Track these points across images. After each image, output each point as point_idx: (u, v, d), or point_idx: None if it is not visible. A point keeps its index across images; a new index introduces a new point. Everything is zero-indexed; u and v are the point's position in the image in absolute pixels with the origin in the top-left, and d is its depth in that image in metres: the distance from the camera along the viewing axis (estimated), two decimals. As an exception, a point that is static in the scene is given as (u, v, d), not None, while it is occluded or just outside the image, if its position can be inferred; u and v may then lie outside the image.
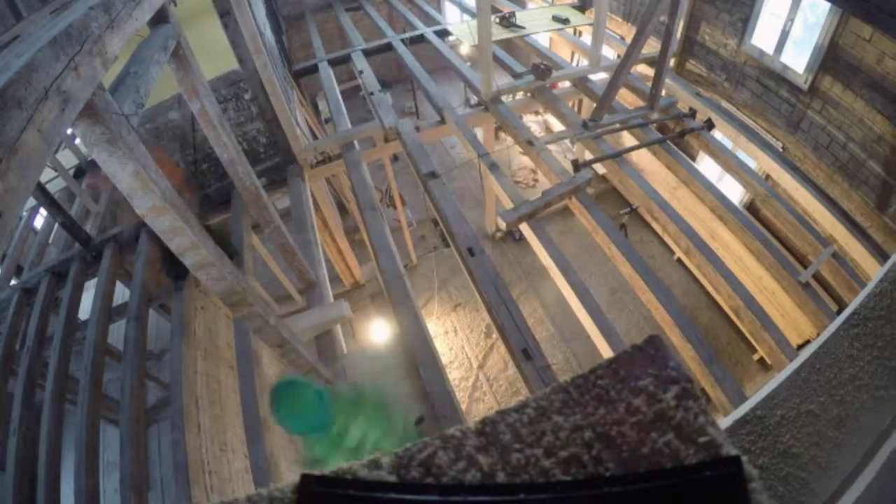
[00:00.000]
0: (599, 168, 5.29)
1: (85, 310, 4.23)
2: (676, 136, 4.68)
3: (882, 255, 3.75)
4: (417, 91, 9.77)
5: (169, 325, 3.84)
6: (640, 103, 5.17)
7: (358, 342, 6.18)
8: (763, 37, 4.71)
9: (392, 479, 0.40)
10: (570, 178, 4.04)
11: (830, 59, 3.98)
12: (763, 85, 4.81)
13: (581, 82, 5.54)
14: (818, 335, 0.89)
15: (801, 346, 4.38)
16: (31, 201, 5.41)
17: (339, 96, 5.89)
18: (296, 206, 4.43)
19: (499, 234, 7.70)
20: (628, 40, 6.48)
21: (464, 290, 7.04)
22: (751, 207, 5.50)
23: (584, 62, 5.75)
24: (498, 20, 6.08)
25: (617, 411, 0.44)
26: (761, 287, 5.07)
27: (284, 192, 4.89)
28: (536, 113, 9.24)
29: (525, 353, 2.90)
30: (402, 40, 6.92)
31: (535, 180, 8.55)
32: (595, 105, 5.58)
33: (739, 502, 0.36)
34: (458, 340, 6.56)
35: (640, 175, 4.41)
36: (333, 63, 6.74)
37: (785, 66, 4.49)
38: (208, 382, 3.90)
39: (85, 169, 6.14)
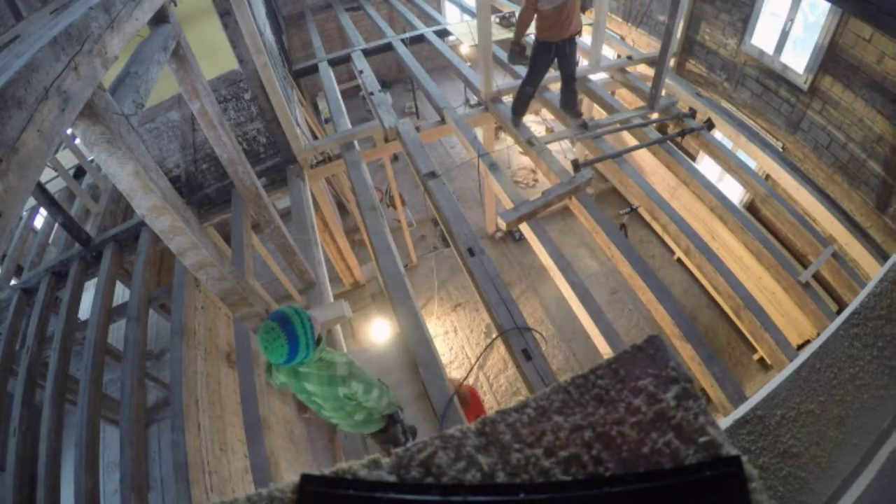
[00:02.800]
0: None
1: (85, 310, 4.23)
2: (676, 136, 4.68)
3: (882, 255, 3.75)
4: (417, 91, 9.77)
5: (169, 325, 3.83)
6: (640, 103, 5.17)
7: (358, 342, 6.18)
8: (763, 37, 4.72)
9: (392, 479, 0.40)
10: (570, 178, 4.04)
11: (830, 59, 3.98)
12: (763, 85, 4.81)
13: (581, 82, 5.54)
14: (818, 335, 0.89)
15: (801, 346, 4.38)
16: (31, 201, 5.42)
17: (339, 96, 5.89)
18: (296, 206, 4.43)
19: (499, 234, 7.70)
20: (628, 40, 6.49)
21: (464, 290, 7.04)
22: (751, 207, 5.50)
23: (584, 62, 5.75)
24: (498, 20, 6.08)
25: (617, 411, 0.44)
26: (761, 287, 5.07)
27: (284, 192, 4.89)
28: (536, 113, 9.23)
29: (525, 353, 2.90)
30: (402, 40, 6.92)
31: (535, 180, 8.55)
32: (596, 105, 5.59)
33: (739, 502, 0.36)
34: (458, 340, 6.56)
35: (640, 175, 4.41)
36: (333, 63, 6.74)
37: (785, 66, 4.49)
38: (208, 382, 3.90)
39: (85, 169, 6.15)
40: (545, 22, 3.96)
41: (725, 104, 5.22)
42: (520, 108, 4.67)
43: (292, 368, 1.95)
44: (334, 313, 3.34)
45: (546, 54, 4.18)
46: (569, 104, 4.67)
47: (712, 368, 2.95)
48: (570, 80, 4.49)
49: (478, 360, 6.24)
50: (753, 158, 4.68)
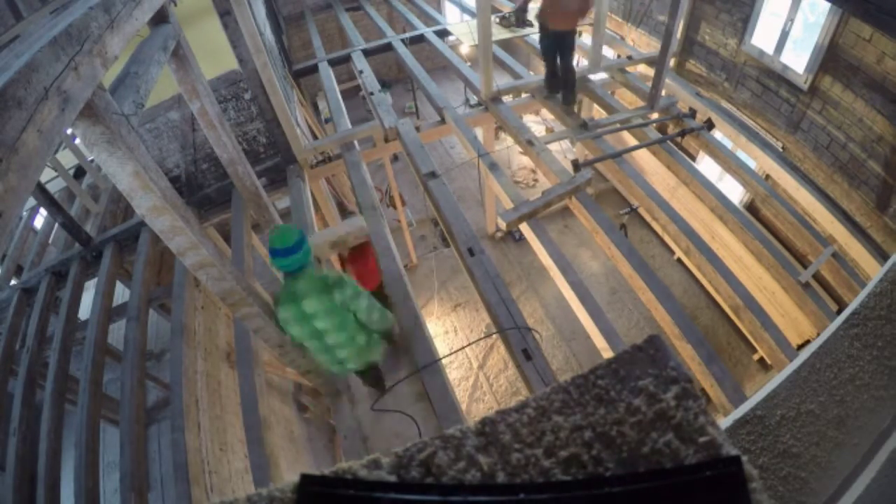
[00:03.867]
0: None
1: (85, 310, 4.23)
2: (676, 136, 4.68)
3: (882, 255, 3.75)
4: (417, 91, 9.77)
5: (169, 325, 3.83)
6: (640, 103, 5.16)
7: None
8: (763, 37, 4.71)
9: (392, 479, 0.40)
10: (570, 178, 4.04)
11: (830, 59, 3.98)
12: (763, 85, 4.81)
13: (581, 82, 5.54)
14: (818, 335, 0.89)
15: (801, 346, 4.38)
16: (31, 201, 5.42)
17: (339, 96, 5.89)
18: (296, 206, 4.43)
19: (499, 234, 7.70)
20: (628, 40, 6.49)
21: (464, 290, 7.04)
22: (751, 207, 5.50)
23: (584, 62, 5.75)
24: (498, 20, 6.08)
25: (617, 411, 0.44)
26: (761, 287, 5.07)
27: (284, 192, 4.89)
28: (536, 113, 9.24)
29: (525, 353, 2.90)
30: (402, 40, 6.92)
31: (535, 180, 8.55)
32: (596, 105, 5.59)
33: (739, 502, 0.36)
34: (458, 340, 6.56)
35: (640, 175, 4.41)
36: (333, 63, 6.74)
37: (785, 66, 4.49)
38: (208, 382, 3.91)
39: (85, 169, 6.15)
40: (544, 7, 4.44)
41: (725, 104, 5.21)
42: (549, 84, 5.07)
43: (293, 293, 2.16)
44: (350, 227, 3.46)
45: (544, 38, 4.63)
46: (565, 98, 5.00)
47: (712, 368, 2.95)
48: (565, 71, 4.81)
49: (469, 344, 6.24)
50: (753, 158, 4.68)
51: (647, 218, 6.94)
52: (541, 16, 4.49)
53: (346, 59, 6.77)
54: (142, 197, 1.68)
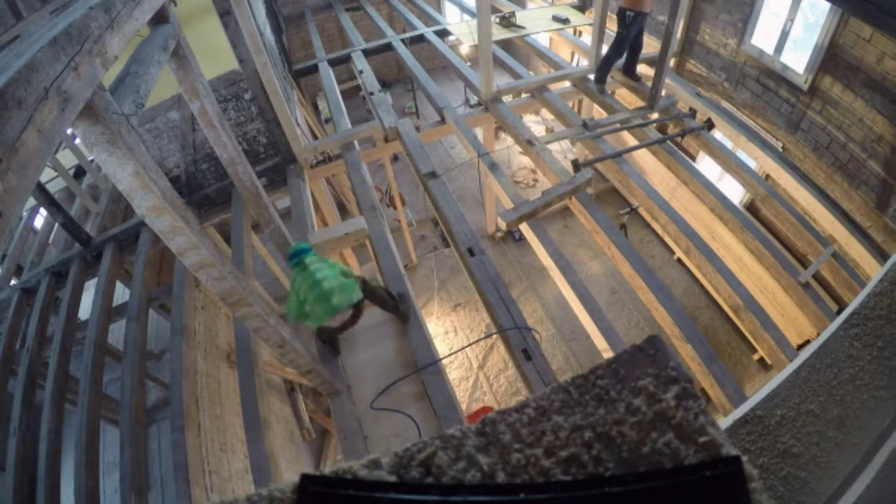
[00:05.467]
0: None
1: (85, 310, 4.23)
2: (676, 136, 4.68)
3: (882, 255, 3.75)
4: (417, 91, 9.77)
5: (169, 325, 3.83)
6: (640, 103, 5.16)
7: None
8: (763, 37, 4.71)
9: (392, 479, 0.40)
10: (570, 178, 4.04)
11: (830, 59, 3.98)
12: (763, 85, 4.81)
13: (581, 82, 5.54)
14: (818, 335, 0.89)
15: (801, 346, 4.38)
16: (31, 201, 5.42)
17: (339, 96, 5.89)
18: (296, 206, 4.43)
19: (499, 234, 7.70)
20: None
21: (464, 290, 7.04)
22: (751, 207, 5.50)
23: (584, 62, 5.75)
24: (498, 20, 6.09)
25: (617, 411, 0.44)
26: (761, 287, 5.07)
27: (284, 192, 4.89)
28: (536, 113, 9.24)
29: (525, 353, 2.90)
30: (402, 40, 6.92)
31: (535, 180, 8.55)
32: (596, 105, 5.60)
33: (739, 502, 0.36)
34: (458, 340, 6.56)
35: (640, 175, 4.41)
36: (333, 63, 6.74)
37: (785, 66, 4.49)
38: (208, 382, 3.91)
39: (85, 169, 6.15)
40: None
41: (725, 104, 5.21)
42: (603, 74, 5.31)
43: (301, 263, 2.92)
44: (352, 227, 3.87)
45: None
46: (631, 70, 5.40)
47: (712, 368, 2.95)
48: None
49: (469, 344, 6.24)
50: (753, 158, 4.68)
51: (647, 218, 6.94)
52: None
53: (346, 59, 6.78)
54: (142, 197, 1.68)
